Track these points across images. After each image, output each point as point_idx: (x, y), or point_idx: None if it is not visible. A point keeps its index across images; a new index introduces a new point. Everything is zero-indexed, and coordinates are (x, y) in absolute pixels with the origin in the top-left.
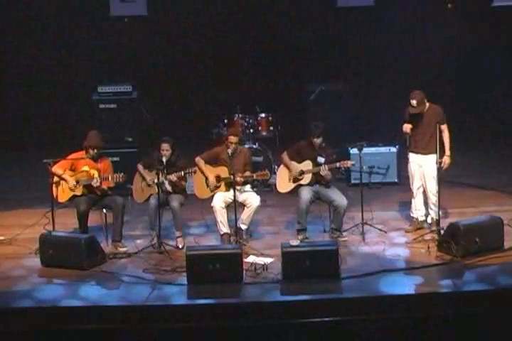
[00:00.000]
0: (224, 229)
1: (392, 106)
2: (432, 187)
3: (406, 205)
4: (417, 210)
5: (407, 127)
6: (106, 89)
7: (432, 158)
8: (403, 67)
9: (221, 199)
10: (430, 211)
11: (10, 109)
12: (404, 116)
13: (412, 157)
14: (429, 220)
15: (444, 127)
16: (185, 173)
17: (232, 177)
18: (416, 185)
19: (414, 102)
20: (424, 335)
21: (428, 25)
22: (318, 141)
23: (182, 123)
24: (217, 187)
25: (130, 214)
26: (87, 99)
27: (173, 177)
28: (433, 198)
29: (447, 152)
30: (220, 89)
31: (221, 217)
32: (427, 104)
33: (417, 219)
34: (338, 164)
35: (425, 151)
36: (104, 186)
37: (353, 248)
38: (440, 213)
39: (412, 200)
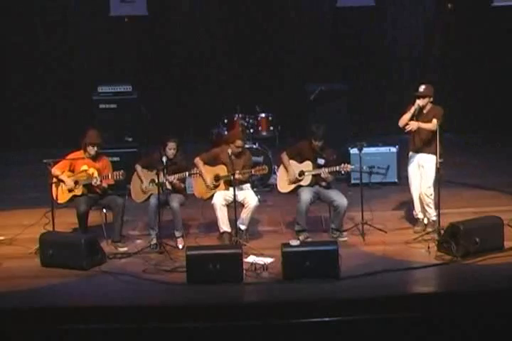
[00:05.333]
0: (224, 227)
1: (392, 106)
2: (426, 189)
3: (406, 205)
4: (420, 211)
5: (414, 125)
6: (106, 89)
7: (429, 157)
8: (403, 67)
9: (222, 197)
10: (425, 212)
11: (10, 108)
12: (406, 109)
13: (412, 156)
14: (425, 221)
15: (434, 121)
16: (189, 174)
17: (231, 175)
18: (415, 186)
19: (422, 86)
20: (424, 335)
21: (428, 25)
22: (318, 143)
23: (182, 123)
24: (216, 186)
25: (130, 214)
26: (87, 99)
27: (174, 178)
28: (426, 199)
29: (422, 124)
30: (220, 89)
31: (221, 214)
32: (430, 105)
33: (422, 219)
34: (338, 168)
35: (424, 150)
36: (105, 184)
37: (353, 248)
38: (440, 213)
39: (414, 201)
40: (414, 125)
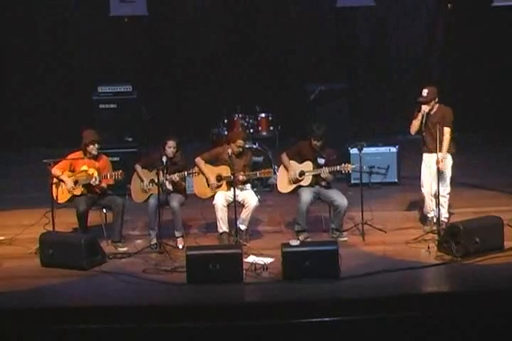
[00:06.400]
0: (223, 227)
1: (392, 106)
2: (445, 188)
3: (406, 205)
4: (433, 210)
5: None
6: (106, 89)
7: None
8: (403, 67)
9: (223, 197)
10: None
11: (10, 108)
12: (414, 114)
13: (425, 157)
14: (434, 220)
15: (447, 130)
16: (188, 173)
17: (232, 176)
18: (427, 186)
19: (425, 91)
20: (424, 335)
21: (428, 25)
22: (318, 142)
23: (182, 123)
24: (218, 186)
25: (130, 214)
26: (87, 99)
27: (175, 177)
28: (441, 199)
29: (441, 153)
30: (220, 89)
31: (222, 214)
32: (437, 105)
33: (432, 218)
34: (338, 167)
35: (433, 150)
36: (104, 184)
37: (353, 248)
38: (443, 213)
39: (426, 201)
40: (441, 164)
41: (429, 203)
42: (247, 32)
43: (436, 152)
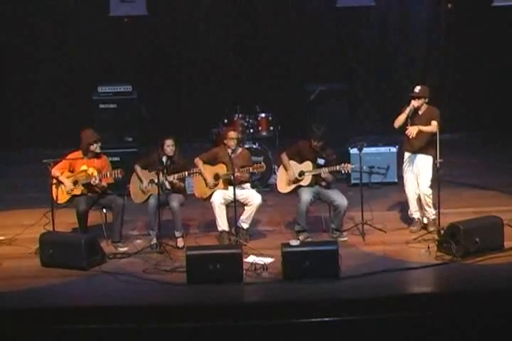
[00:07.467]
0: (223, 226)
1: (392, 106)
2: (424, 188)
3: (406, 205)
4: (417, 211)
5: (414, 129)
6: (106, 89)
7: (426, 158)
8: (403, 67)
9: (221, 196)
10: (425, 212)
11: (10, 108)
12: (401, 110)
13: (407, 156)
14: (425, 220)
15: (434, 123)
16: (188, 174)
17: (231, 174)
18: (410, 186)
19: (417, 87)
20: (424, 335)
21: (428, 25)
22: (318, 143)
23: (182, 123)
24: (216, 185)
25: (130, 214)
26: (87, 99)
27: (174, 178)
28: (427, 199)
29: (422, 127)
30: (220, 89)
31: (220, 212)
32: (426, 106)
33: (418, 219)
34: (338, 167)
35: (420, 151)
36: (104, 183)
37: (353, 248)
38: (440, 213)
39: (409, 201)
40: (414, 130)
41: (414, 203)
42: (247, 32)
43: (418, 152)
